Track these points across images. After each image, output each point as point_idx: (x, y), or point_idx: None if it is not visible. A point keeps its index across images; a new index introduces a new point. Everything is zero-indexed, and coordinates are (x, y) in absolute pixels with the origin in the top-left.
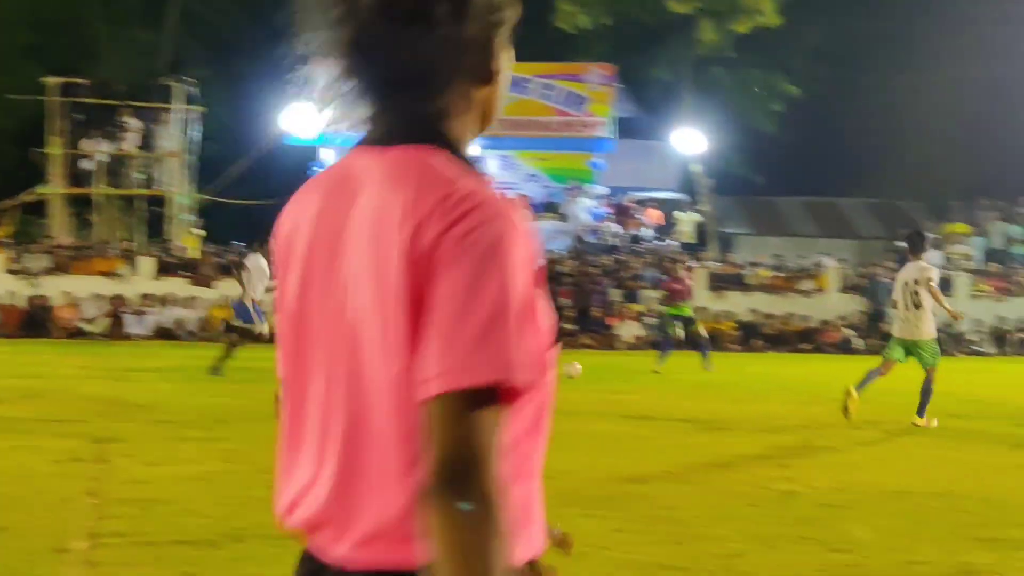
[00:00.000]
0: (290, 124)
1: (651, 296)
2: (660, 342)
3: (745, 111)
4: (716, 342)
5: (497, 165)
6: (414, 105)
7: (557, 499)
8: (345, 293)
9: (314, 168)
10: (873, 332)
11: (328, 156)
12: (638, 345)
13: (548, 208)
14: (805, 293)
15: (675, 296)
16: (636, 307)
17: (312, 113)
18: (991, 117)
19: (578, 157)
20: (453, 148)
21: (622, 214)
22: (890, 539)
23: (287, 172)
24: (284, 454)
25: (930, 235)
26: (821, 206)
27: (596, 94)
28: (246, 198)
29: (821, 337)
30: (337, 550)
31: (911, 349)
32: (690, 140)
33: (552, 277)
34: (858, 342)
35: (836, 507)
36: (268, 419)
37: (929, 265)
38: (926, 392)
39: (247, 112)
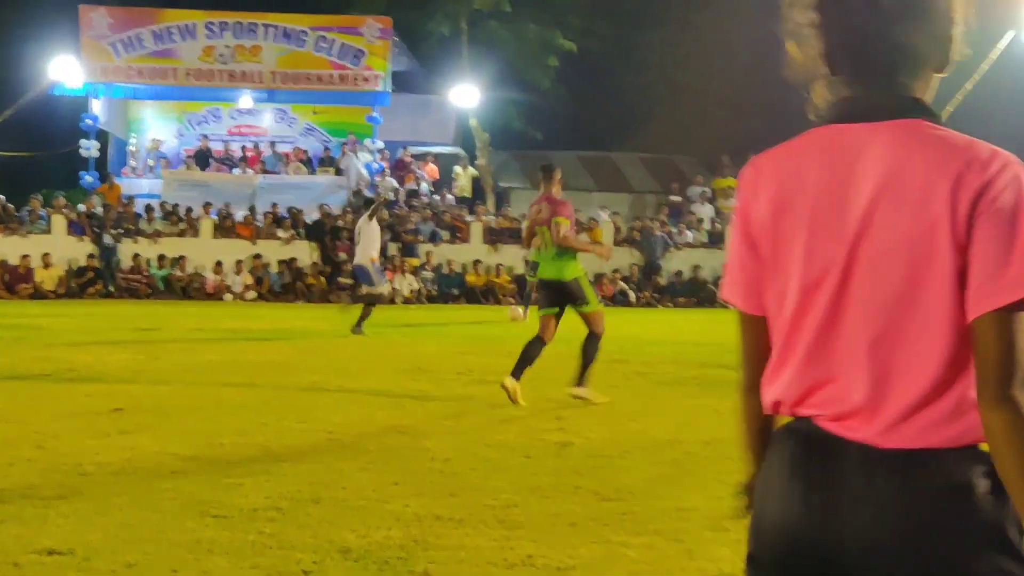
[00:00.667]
0: (59, 74)
1: (428, 250)
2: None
3: (521, 66)
4: (492, 295)
5: (272, 118)
6: (901, 86)
7: (334, 453)
8: (857, 238)
9: (87, 120)
10: (647, 284)
11: (99, 108)
12: (415, 299)
13: (325, 162)
14: None
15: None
16: (413, 261)
17: (83, 65)
18: (761, 74)
19: (355, 111)
20: (938, 121)
21: (399, 168)
22: (659, 487)
23: (56, 123)
24: (779, 364)
25: (700, 189)
26: (596, 160)
27: (373, 48)
28: (11, 150)
29: (596, 290)
30: (865, 432)
31: None
32: (466, 95)
33: (329, 232)
34: (632, 295)
35: (608, 457)
36: (34, 378)
37: None
38: None
39: (11, 60)
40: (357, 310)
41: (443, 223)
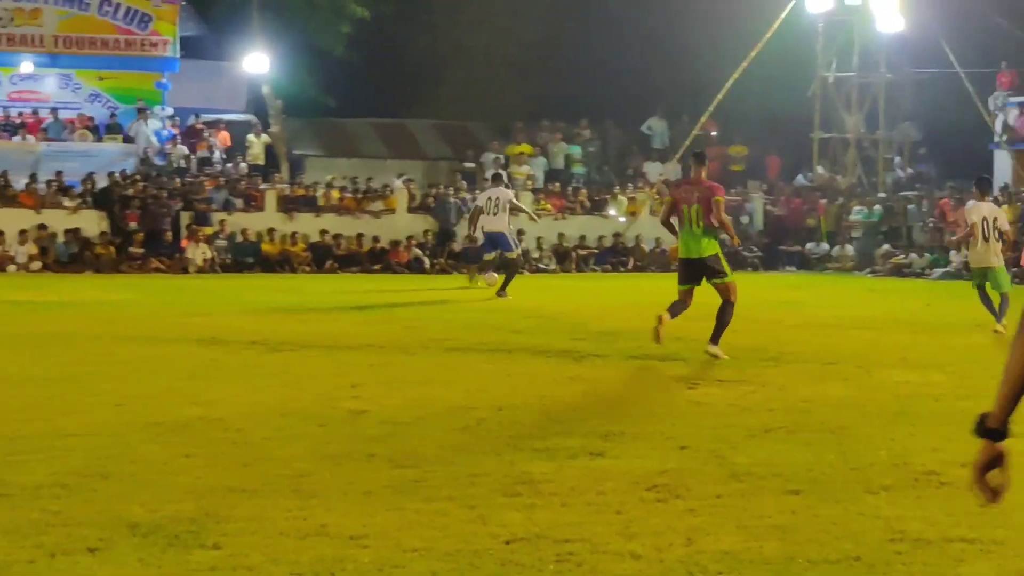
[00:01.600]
0: None
1: (222, 218)
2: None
3: (314, 32)
4: (288, 264)
5: (55, 84)
6: None
7: (123, 426)
8: None
9: None
10: (441, 251)
11: None
12: (208, 268)
13: (113, 130)
14: (375, 214)
15: None
16: (207, 230)
17: None
18: (552, 41)
19: (144, 77)
20: None
21: (191, 136)
22: (453, 453)
23: None
24: None
25: (494, 155)
26: (390, 128)
27: (160, 12)
28: None
29: (391, 257)
30: None
31: (988, 275)
32: (258, 61)
33: (118, 200)
34: (427, 261)
35: (403, 424)
36: None
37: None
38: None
39: None
40: (481, 280)
41: (237, 191)
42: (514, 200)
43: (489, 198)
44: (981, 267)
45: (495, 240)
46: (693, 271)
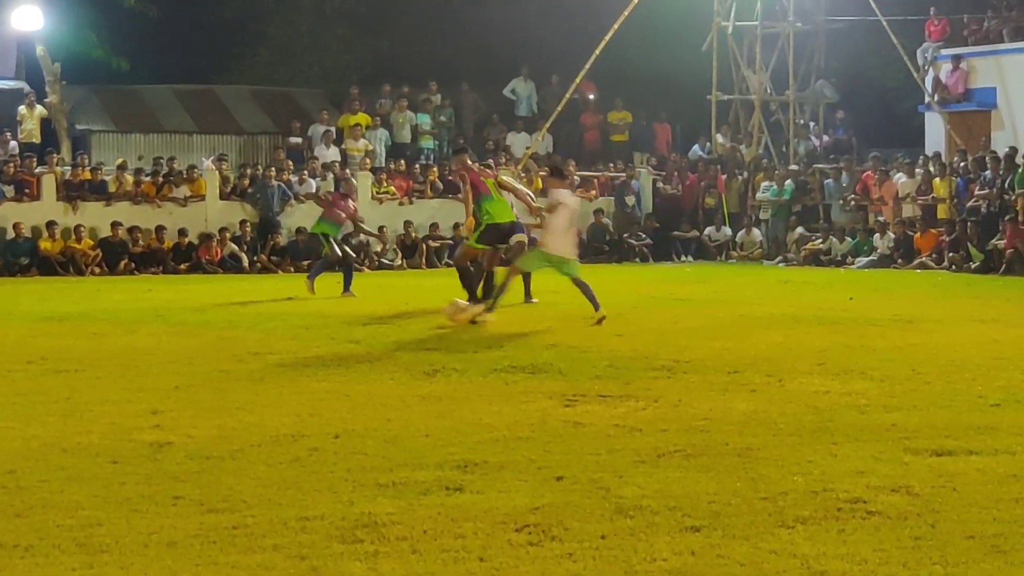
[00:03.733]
0: None
1: None
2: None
3: None
4: (73, 264)
5: None
6: None
7: None
8: None
9: None
10: (263, 246)
11: None
12: None
13: None
14: (179, 202)
15: (333, 215)
16: None
17: None
18: None
19: None
20: None
21: None
22: (279, 492)
23: None
24: None
25: (324, 128)
26: (197, 95)
27: None
28: None
29: (201, 254)
30: None
31: None
32: (29, 16)
33: None
34: (245, 258)
35: (216, 458)
36: None
37: None
38: None
39: None
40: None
41: (5, 176)
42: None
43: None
44: None
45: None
46: None
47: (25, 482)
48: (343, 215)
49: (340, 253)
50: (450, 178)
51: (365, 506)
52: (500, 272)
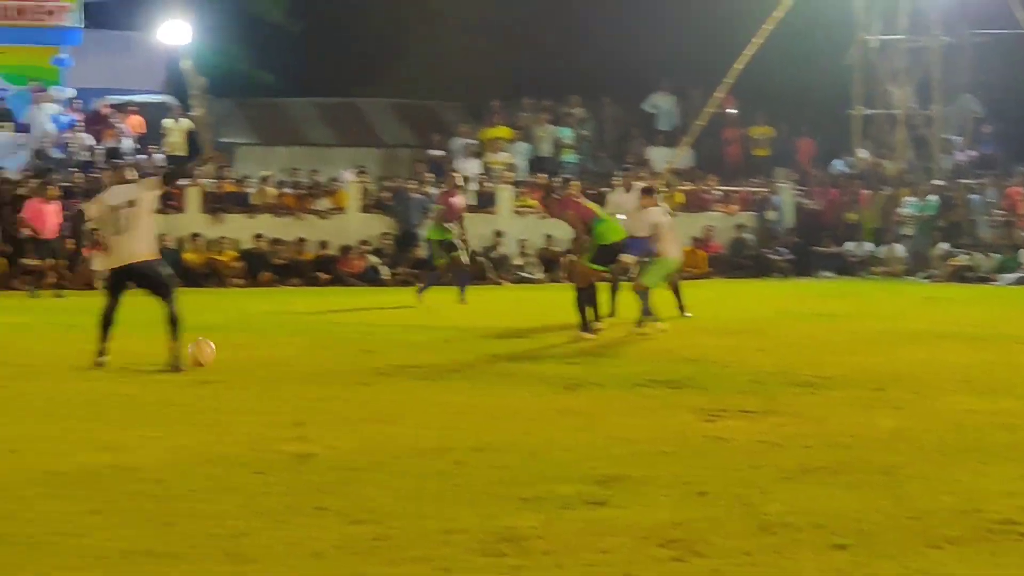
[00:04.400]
0: None
1: None
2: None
3: None
4: (215, 276)
5: None
6: None
7: (14, 477)
8: None
9: None
10: (403, 259)
11: None
12: None
13: (2, 116)
14: (321, 214)
15: (447, 215)
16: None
17: None
18: (536, 3)
19: (39, 52)
20: None
21: (96, 122)
22: (421, 504)
23: None
24: None
25: (465, 141)
26: (339, 108)
27: None
28: None
29: (341, 266)
30: None
31: None
32: (177, 31)
33: (8, 202)
34: (385, 271)
35: (358, 470)
36: None
37: None
38: None
39: None
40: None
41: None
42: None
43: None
44: None
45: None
46: None
47: (173, 491)
48: (455, 212)
49: (460, 260)
50: (591, 192)
51: (507, 519)
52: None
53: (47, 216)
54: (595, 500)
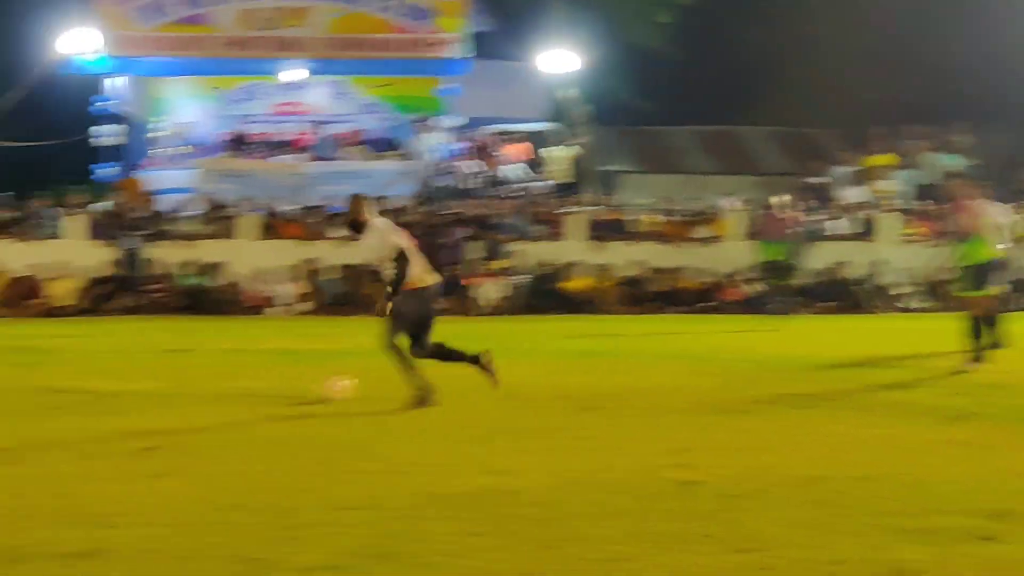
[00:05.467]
0: (71, 48)
1: (516, 249)
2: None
3: (627, 24)
4: (595, 303)
5: (326, 94)
6: None
7: (406, 498)
8: None
9: (100, 103)
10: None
11: (118, 87)
12: (501, 309)
13: (389, 145)
14: (701, 241)
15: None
16: (498, 263)
17: (99, 36)
18: (917, 28)
19: (424, 82)
20: None
21: (480, 150)
22: (804, 533)
23: (67, 108)
24: None
25: (846, 168)
26: (718, 136)
27: (445, 5)
28: (15, 139)
29: (721, 294)
30: None
31: None
32: (561, 60)
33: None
34: (768, 298)
35: (741, 497)
36: (47, 410)
37: None
38: None
39: (14, 35)
40: None
41: (535, 215)
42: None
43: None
44: None
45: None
46: None
47: (556, 515)
48: (782, 230)
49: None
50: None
51: (895, 552)
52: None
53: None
54: (986, 535)
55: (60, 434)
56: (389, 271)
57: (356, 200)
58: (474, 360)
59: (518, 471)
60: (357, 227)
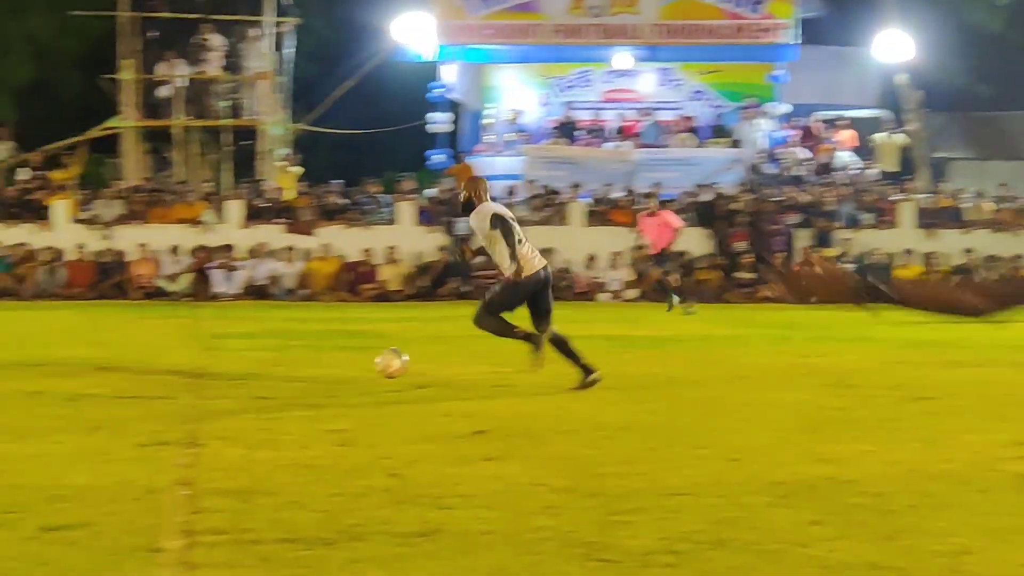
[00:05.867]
0: (404, 36)
1: (847, 237)
2: None
3: (963, 5)
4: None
5: (655, 81)
6: None
7: (738, 485)
8: None
9: (435, 90)
10: None
11: (451, 74)
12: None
13: (718, 132)
14: None
15: None
16: (829, 251)
17: (432, 24)
18: None
19: (754, 69)
20: None
21: (808, 137)
22: None
23: (400, 95)
24: None
25: None
26: None
27: None
28: (351, 127)
29: None
30: None
31: None
32: (893, 44)
33: (723, 216)
34: None
35: None
36: (382, 395)
37: None
38: None
39: (350, 23)
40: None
41: (864, 203)
42: None
43: None
44: None
45: None
46: None
47: (892, 506)
48: None
49: None
50: None
51: None
52: None
53: (650, 229)
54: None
55: (392, 418)
56: (496, 255)
57: (473, 181)
58: (528, 337)
59: (850, 460)
60: (468, 207)
